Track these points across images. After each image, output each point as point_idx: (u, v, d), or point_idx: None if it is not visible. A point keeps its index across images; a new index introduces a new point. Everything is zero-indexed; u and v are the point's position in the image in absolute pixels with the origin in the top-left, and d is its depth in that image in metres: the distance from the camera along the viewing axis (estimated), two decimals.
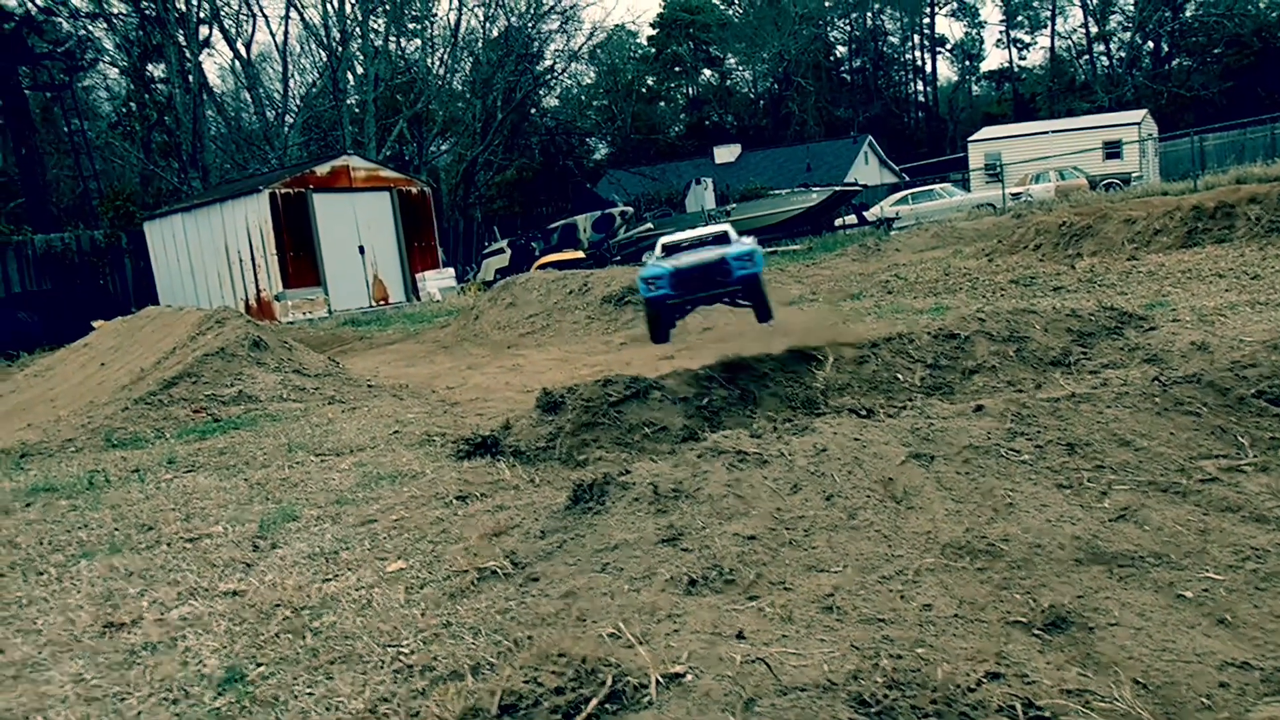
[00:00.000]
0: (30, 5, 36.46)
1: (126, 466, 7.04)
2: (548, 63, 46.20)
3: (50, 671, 3.41)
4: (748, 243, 9.07)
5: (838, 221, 31.41)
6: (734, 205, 31.40)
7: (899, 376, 6.69)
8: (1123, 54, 65.19)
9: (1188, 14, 61.54)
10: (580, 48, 49.35)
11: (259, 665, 3.19)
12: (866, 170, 47.87)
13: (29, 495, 6.40)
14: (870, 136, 52.01)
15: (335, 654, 3.19)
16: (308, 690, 2.97)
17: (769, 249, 27.58)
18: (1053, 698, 2.52)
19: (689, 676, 2.50)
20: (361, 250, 25.47)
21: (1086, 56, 66.98)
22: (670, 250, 9.37)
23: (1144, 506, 3.66)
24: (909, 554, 3.44)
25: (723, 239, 9.13)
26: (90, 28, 39.24)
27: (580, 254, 26.21)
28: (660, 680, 2.47)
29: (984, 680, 2.59)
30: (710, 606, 3.10)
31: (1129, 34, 64.45)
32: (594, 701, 2.40)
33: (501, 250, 30.16)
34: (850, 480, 3.82)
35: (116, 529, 5.23)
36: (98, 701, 3.11)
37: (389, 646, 3.20)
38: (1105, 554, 3.36)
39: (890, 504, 3.71)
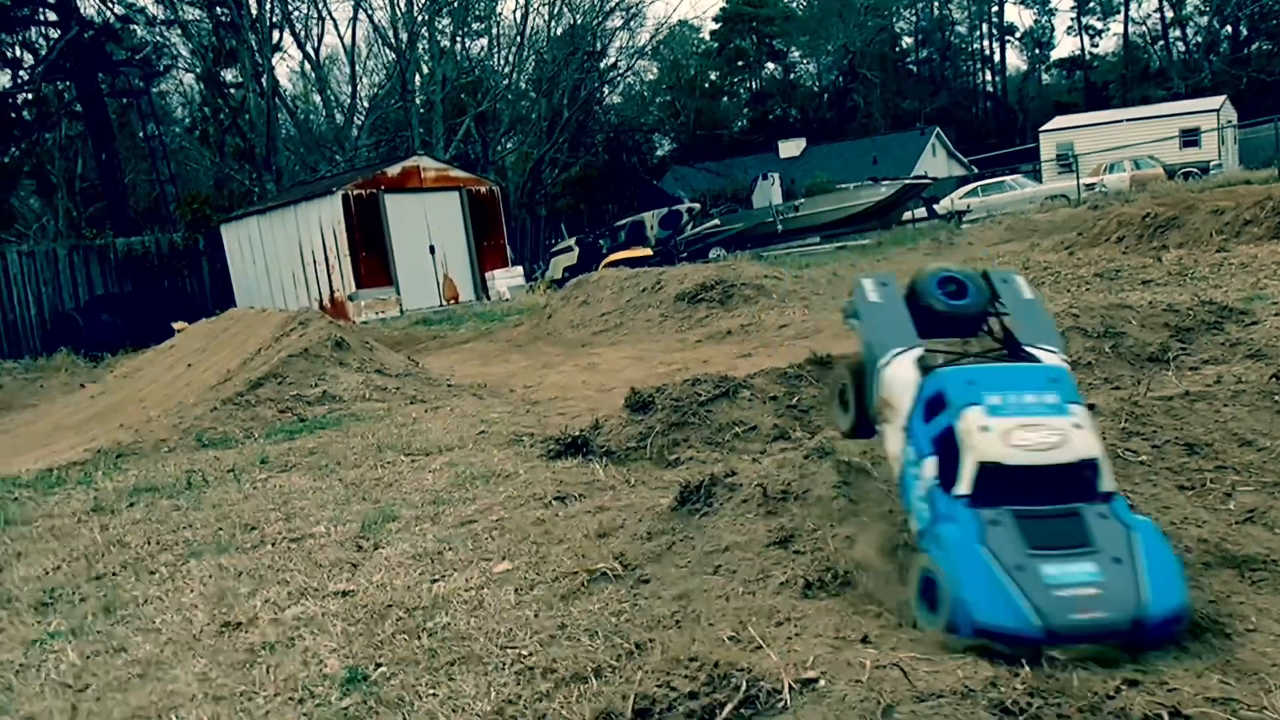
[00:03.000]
0: (109, 14, 37.53)
1: (221, 466, 7.18)
2: (612, 60, 46.32)
3: (175, 670, 3.49)
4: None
5: (906, 215, 31.04)
6: (801, 200, 31.17)
7: None
8: (1199, 39, 63.54)
9: None
10: (645, 44, 49.41)
11: (379, 666, 3.23)
12: (934, 163, 47.24)
13: (131, 495, 6.56)
14: (938, 128, 51.33)
15: (454, 655, 3.22)
16: (431, 691, 2.99)
17: (837, 244, 27.42)
18: (1198, 706, 2.45)
19: (822, 682, 2.47)
20: (432, 250, 25.77)
21: (1161, 42, 65.39)
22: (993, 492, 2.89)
23: (1272, 508, 3.55)
24: None
25: (1088, 478, 2.99)
26: (166, 34, 40.32)
27: (648, 251, 26.26)
28: (794, 685, 2.45)
29: (1123, 687, 2.52)
30: (829, 610, 3.07)
31: (1206, 18, 62.80)
32: (729, 706, 2.39)
33: (569, 248, 30.33)
34: None
35: (220, 529, 5.34)
36: (225, 701, 3.17)
37: (507, 648, 3.21)
38: (1235, 557, 3.26)
39: None
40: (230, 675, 3.36)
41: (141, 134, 39.57)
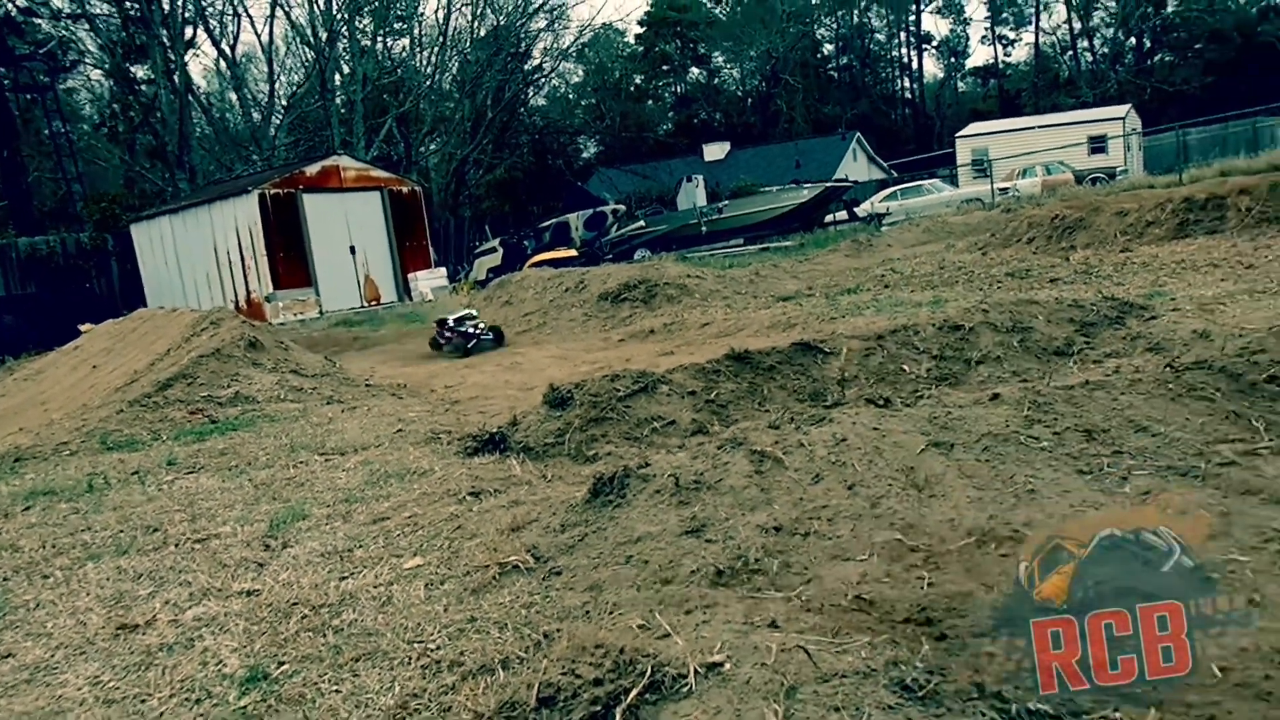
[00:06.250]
0: (9, 6, 36.19)
1: (125, 469, 6.97)
2: (536, 61, 46.12)
3: (65, 674, 3.36)
4: None
5: (828, 218, 31.45)
6: (726, 202, 31.38)
7: (905, 368, 6.68)
8: (1106, 50, 65.63)
9: (1169, 9, 62.03)
10: (569, 46, 49.33)
11: (282, 664, 3.15)
12: (855, 167, 47.92)
13: (28, 499, 6.32)
14: (858, 133, 52.08)
15: (359, 651, 3.15)
16: (334, 688, 2.92)
17: (760, 245, 27.65)
18: None
19: (727, 666, 2.47)
20: (353, 250, 25.33)
21: (1070, 52, 67.32)
22: None
23: (1165, 490, 3.65)
24: (934, 542, 3.41)
25: None
26: (72, 29, 39.01)
27: (573, 252, 26.20)
28: (699, 670, 2.44)
29: None
30: (739, 597, 3.07)
31: (1112, 30, 64.86)
32: (634, 692, 2.37)
33: (494, 249, 30.11)
34: (871, 469, 3.79)
35: (121, 531, 5.17)
36: (117, 704, 3.06)
37: (414, 643, 3.15)
38: None
39: (913, 492, 3.68)
40: (124, 678, 3.25)
41: (47, 131, 38.25)
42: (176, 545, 4.75)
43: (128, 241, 28.40)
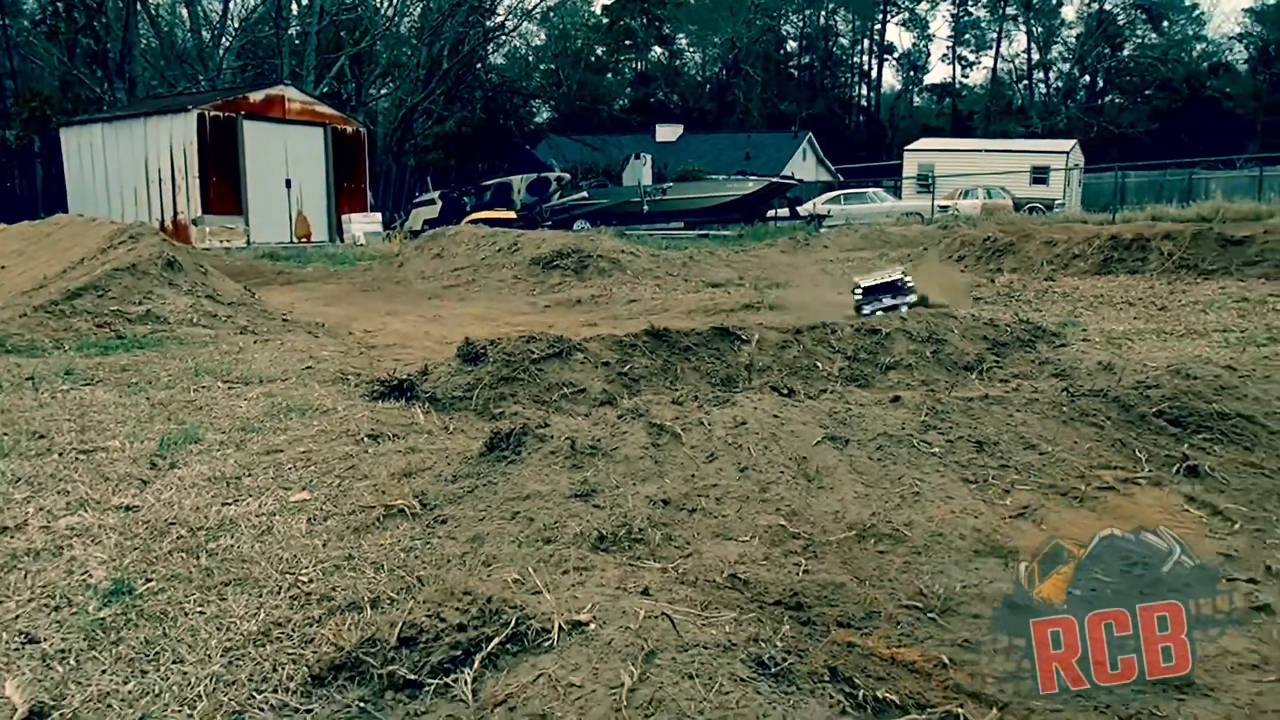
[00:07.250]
0: None
1: (20, 373, 6.77)
2: (500, 18, 45.52)
3: None
4: None
5: (770, 213, 31.66)
6: (670, 184, 31.41)
7: (818, 365, 6.78)
8: (1060, 84, 67.09)
9: (1125, 53, 63.52)
10: (534, 7, 48.76)
11: (149, 581, 3.10)
12: (804, 166, 48.30)
13: None
14: (811, 133, 52.48)
15: (230, 576, 3.12)
16: (199, 609, 2.89)
17: (700, 232, 27.77)
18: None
19: (592, 625, 2.50)
20: (288, 184, 24.82)
21: (1026, 82, 68.64)
22: None
23: (1043, 507, 3.77)
24: (816, 531, 3.49)
25: None
26: None
27: (512, 214, 26.01)
28: (563, 626, 2.46)
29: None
30: (617, 564, 3.11)
31: (1068, 65, 66.28)
32: (495, 640, 2.39)
33: (433, 201, 29.76)
34: (766, 455, 3.85)
35: (5, 434, 5.02)
36: None
37: (286, 574, 3.13)
38: (1002, 548, 3.45)
39: (803, 481, 3.75)
40: None
41: None
42: (61, 454, 4.64)
43: (56, 145, 27.47)
